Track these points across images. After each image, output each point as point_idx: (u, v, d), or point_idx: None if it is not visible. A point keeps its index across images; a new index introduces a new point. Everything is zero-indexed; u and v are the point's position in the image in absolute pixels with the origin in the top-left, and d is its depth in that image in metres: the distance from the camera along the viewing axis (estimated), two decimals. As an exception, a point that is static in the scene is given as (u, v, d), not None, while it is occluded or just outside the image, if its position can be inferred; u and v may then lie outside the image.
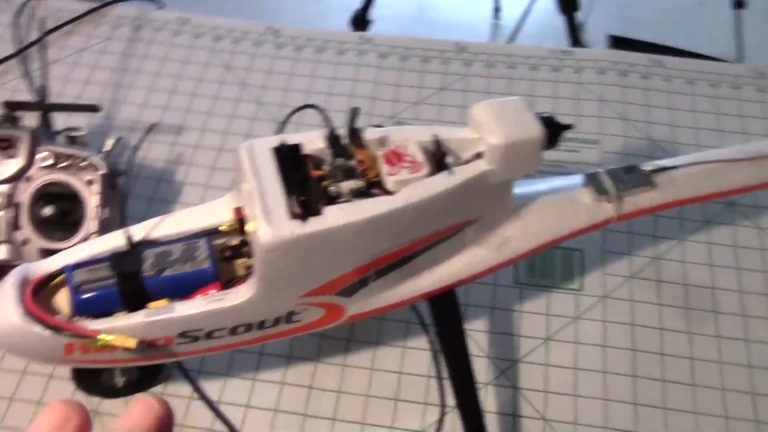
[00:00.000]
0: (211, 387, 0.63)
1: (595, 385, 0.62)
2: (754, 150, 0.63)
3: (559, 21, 1.56)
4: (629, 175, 0.58)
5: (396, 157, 0.50)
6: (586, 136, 0.79)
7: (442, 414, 0.61)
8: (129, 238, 0.52)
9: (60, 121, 0.74)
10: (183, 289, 0.51)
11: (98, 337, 0.49)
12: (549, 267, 0.69)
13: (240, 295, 0.50)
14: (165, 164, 0.78)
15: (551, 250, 0.70)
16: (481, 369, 0.63)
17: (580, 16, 1.51)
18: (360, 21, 1.74)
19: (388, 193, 0.49)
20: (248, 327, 0.52)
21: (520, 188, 0.57)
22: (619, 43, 1.14)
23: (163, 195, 0.75)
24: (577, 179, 0.59)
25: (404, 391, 0.62)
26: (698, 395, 0.62)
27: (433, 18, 2.35)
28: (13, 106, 0.66)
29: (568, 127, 0.53)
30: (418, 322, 0.65)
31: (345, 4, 2.28)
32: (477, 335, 0.65)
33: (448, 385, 0.58)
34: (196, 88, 0.84)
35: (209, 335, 0.52)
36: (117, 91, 0.84)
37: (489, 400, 0.62)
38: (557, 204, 0.57)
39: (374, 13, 1.74)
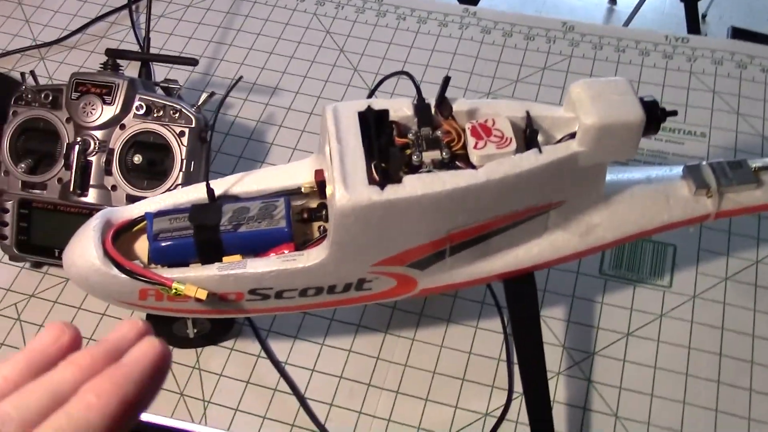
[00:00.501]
0: (280, 347, 0.63)
1: (675, 387, 0.59)
2: None
3: (678, 11, 1.49)
4: (735, 171, 0.54)
5: (484, 131, 0.48)
6: (693, 128, 0.75)
7: (509, 399, 0.59)
8: (210, 192, 0.53)
9: (161, 74, 0.75)
10: (257, 246, 0.51)
11: (171, 285, 0.49)
12: (638, 260, 0.66)
13: (313, 257, 0.49)
14: (257, 124, 0.78)
15: (641, 243, 0.67)
16: (555, 358, 0.61)
17: (702, 6, 1.43)
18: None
19: (472, 166, 0.47)
20: (318, 290, 0.52)
21: (614, 175, 0.55)
22: (741, 35, 1.07)
23: (251, 154, 0.76)
24: (677, 170, 0.55)
25: (472, 371, 0.61)
26: (788, 411, 0.58)
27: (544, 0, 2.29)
28: (114, 53, 0.67)
29: (672, 113, 0.50)
30: (493, 303, 0.63)
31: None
32: (553, 323, 0.63)
33: (517, 370, 0.56)
34: (295, 50, 0.84)
35: (279, 295, 0.52)
36: (218, 48, 0.85)
37: (560, 390, 0.59)
38: (651, 195, 0.54)
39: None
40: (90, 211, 0.63)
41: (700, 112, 0.76)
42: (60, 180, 0.64)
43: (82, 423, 0.25)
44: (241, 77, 0.59)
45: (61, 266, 0.66)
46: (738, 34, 1.10)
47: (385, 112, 0.50)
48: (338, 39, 0.85)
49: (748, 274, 0.65)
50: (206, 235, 0.51)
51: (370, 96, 0.53)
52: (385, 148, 0.48)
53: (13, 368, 0.27)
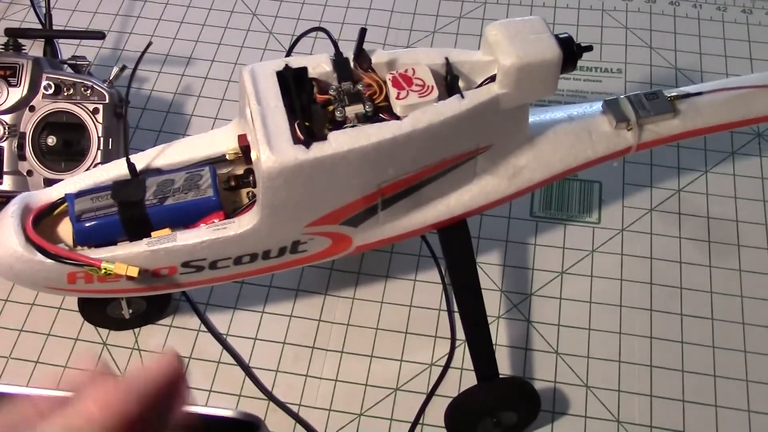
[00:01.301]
0: (219, 320, 0.62)
1: (610, 319, 0.61)
2: (786, 76, 0.59)
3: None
4: (652, 102, 0.56)
5: (405, 81, 0.48)
6: (609, 65, 0.76)
7: (452, 347, 0.60)
8: (132, 167, 0.51)
9: (68, 53, 0.72)
10: (186, 218, 0.50)
11: (100, 265, 0.48)
12: (566, 199, 0.67)
13: (244, 223, 0.49)
14: (174, 96, 0.76)
15: (568, 182, 0.68)
16: (494, 302, 0.62)
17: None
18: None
19: (396, 118, 0.47)
20: (253, 257, 0.51)
21: (536, 116, 0.55)
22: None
23: (171, 127, 0.74)
24: (596, 106, 0.56)
25: (414, 324, 0.61)
26: (718, 329, 0.60)
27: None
28: (15, 32, 0.64)
29: (588, 48, 0.50)
30: (429, 255, 0.64)
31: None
32: (490, 268, 0.64)
33: (458, 318, 0.56)
34: (206, 18, 0.82)
35: (213, 265, 0.51)
36: (125, 21, 0.82)
37: (501, 333, 0.60)
38: (574, 132, 0.55)
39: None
40: (6, 199, 0.60)
41: (615, 48, 0.77)
42: (-29, 169, 0.61)
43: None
44: (150, 43, 0.57)
45: (-19, 259, 0.64)
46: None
47: (303, 70, 0.49)
48: (250, 3, 0.83)
49: (672, 203, 0.67)
50: (131, 211, 0.49)
51: (287, 56, 0.52)
52: (307, 105, 0.48)
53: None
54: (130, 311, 0.60)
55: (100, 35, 0.66)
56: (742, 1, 0.80)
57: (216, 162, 0.52)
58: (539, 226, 0.66)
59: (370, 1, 0.83)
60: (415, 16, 0.81)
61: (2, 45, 0.64)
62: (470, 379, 0.54)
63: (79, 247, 0.50)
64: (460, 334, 0.60)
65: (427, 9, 0.82)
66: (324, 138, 0.45)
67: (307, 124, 0.46)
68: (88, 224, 0.49)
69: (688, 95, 0.57)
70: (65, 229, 0.51)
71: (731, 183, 0.67)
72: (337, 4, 0.83)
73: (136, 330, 0.62)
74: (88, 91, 0.61)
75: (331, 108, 0.48)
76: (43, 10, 0.77)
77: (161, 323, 0.62)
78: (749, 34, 0.78)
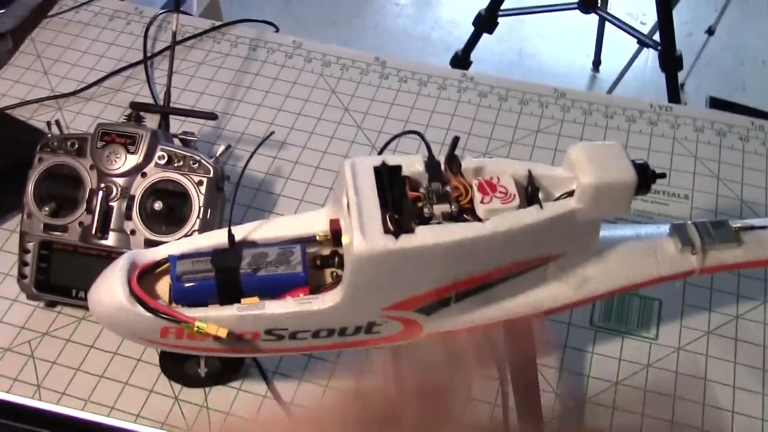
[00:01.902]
0: (285, 388, 0.66)
1: (661, 435, 0.63)
2: None
3: (658, 79, 1.57)
4: (717, 230, 0.59)
5: (490, 187, 0.52)
6: (677, 191, 0.80)
7: (507, 444, 0.62)
8: (230, 237, 0.56)
9: (175, 127, 0.79)
10: (274, 289, 0.54)
11: (194, 323, 0.52)
12: (626, 313, 0.70)
13: (327, 300, 0.53)
14: (265, 176, 0.82)
15: (629, 297, 0.71)
16: (548, 404, 0.64)
17: (680, 75, 1.51)
18: (461, 61, 1.78)
19: (478, 219, 0.52)
20: (330, 332, 0.55)
21: (606, 231, 0.59)
22: (718, 105, 1.13)
23: (260, 204, 0.79)
24: (664, 228, 0.60)
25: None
26: (767, 459, 0.61)
27: (530, 64, 2.38)
28: (139, 106, 0.71)
29: (661, 176, 0.54)
30: (492, 350, 0.66)
31: (445, 41, 2.33)
32: (546, 371, 0.66)
33: (513, 415, 0.59)
34: (302, 108, 0.89)
35: (293, 335, 0.55)
36: (229, 104, 0.89)
37: (553, 435, 0.63)
38: (640, 250, 0.58)
39: (474, 55, 1.78)
40: (109, 253, 0.66)
41: (684, 175, 0.81)
42: (81, 223, 0.67)
43: None
44: (272, 132, 0.63)
45: (75, 306, 0.70)
46: (716, 103, 1.17)
47: (398, 168, 0.54)
48: (343, 98, 0.90)
49: (729, 328, 0.69)
50: (227, 277, 0.54)
51: (380, 153, 0.57)
52: (399, 200, 0.52)
53: None
54: (206, 370, 0.64)
55: (213, 116, 0.73)
56: (810, 143, 0.84)
57: (306, 242, 0.57)
58: (598, 336, 0.69)
59: (455, 108, 0.89)
60: (495, 126, 0.87)
61: (125, 116, 0.71)
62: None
63: (174, 305, 0.55)
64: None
65: (507, 121, 0.87)
66: (411, 231, 0.50)
67: (396, 217, 0.51)
68: (187, 284, 0.54)
69: (752, 227, 0.60)
70: (163, 288, 0.56)
71: (789, 316, 0.69)
72: (424, 108, 0.89)
73: (207, 389, 0.66)
74: (196, 165, 0.67)
75: (420, 205, 0.52)
76: (156, 87, 0.85)
77: (231, 385, 0.66)
78: (816, 174, 0.81)
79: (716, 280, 0.72)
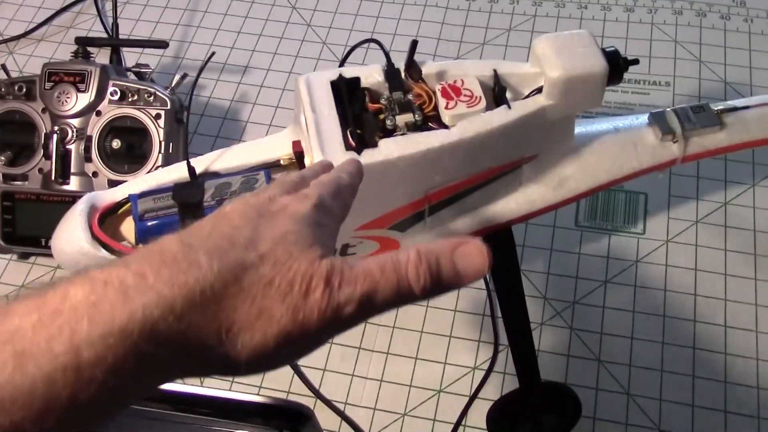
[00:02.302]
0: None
1: (653, 329, 0.61)
2: (835, 91, 0.60)
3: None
4: (698, 115, 0.56)
5: (454, 91, 0.50)
6: (657, 78, 0.76)
7: (495, 352, 0.61)
8: (191, 170, 0.54)
9: (131, 60, 0.76)
10: (241, 219, 0.52)
11: (160, 263, 0.50)
12: (611, 210, 0.68)
13: (296, 226, 0.51)
14: (230, 103, 0.79)
15: (614, 193, 0.69)
16: (537, 309, 0.63)
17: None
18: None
19: (444, 126, 0.49)
20: (304, 258, 0.53)
21: (582, 127, 0.56)
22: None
23: (227, 133, 0.77)
24: (642, 118, 0.57)
25: (458, 329, 0.63)
26: (762, 342, 0.60)
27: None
28: (84, 41, 0.68)
29: (634, 62, 0.51)
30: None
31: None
32: (534, 276, 0.65)
33: (502, 324, 0.58)
34: (263, 28, 0.85)
35: (266, 265, 0.53)
36: (186, 31, 0.85)
37: (543, 339, 0.62)
38: (619, 143, 0.56)
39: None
40: (73, 198, 0.64)
41: (664, 62, 0.78)
42: (41, 170, 0.64)
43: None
44: (213, 53, 0.60)
45: (48, 255, 0.68)
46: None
47: (356, 80, 0.51)
48: (305, 14, 0.86)
49: (717, 215, 0.67)
50: (191, 211, 0.52)
51: (341, 66, 0.54)
52: (359, 114, 0.50)
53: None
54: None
55: (163, 44, 0.70)
56: (794, 16, 0.80)
57: (271, 167, 0.55)
58: (584, 236, 0.67)
59: (422, 13, 0.85)
60: (465, 29, 0.83)
61: (72, 53, 0.68)
62: (512, 384, 0.55)
63: (140, 245, 0.53)
64: (503, 339, 0.61)
65: (477, 21, 0.83)
66: (375, 145, 0.47)
67: (358, 131, 0.49)
68: (150, 223, 0.52)
69: (735, 109, 0.57)
70: (128, 228, 0.54)
71: (779, 197, 0.68)
72: (389, 16, 0.85)
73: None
74: (151, 98, 0.64)
75: (382, 117, 0.50)
76: (109, 20, 0.80)
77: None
78: (801, 48, 0.78)
79: (702, 167, 0.69)
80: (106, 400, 0.24)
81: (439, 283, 0.30)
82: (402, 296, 0.29)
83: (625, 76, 0.51)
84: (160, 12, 0.87)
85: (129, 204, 0.54)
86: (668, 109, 0.57)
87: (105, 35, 0.84)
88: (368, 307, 0.29)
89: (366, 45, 0.56)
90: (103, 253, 0.51)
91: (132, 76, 0.69)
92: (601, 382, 0.59)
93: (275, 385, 0.61)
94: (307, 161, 0.51)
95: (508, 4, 0.85)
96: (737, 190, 0.68)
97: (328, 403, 0.60)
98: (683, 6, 0.82)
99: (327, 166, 0.40)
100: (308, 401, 0.60)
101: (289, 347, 0.28)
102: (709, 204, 0.68)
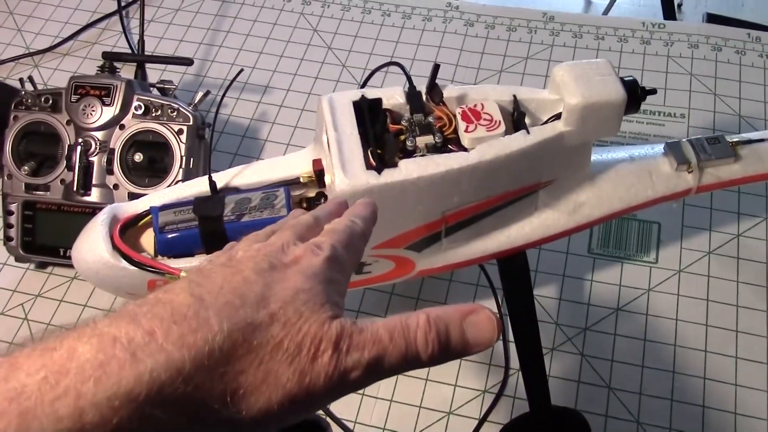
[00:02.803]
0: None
1: (664, 358, 0.62)
2: None
3: (655, 1, 1.52)
4: (713, 146, 0.57)
5: (474, 115, 0.51)
6: (673, 110, 0.77)
7: (506, 375, 0.61)
8: (212, 184, 0.55)
9: (154, 77, 0.77)
10: (260, 234, 0.53)
11: (180, 274, 0.51)
12: (624, 238, 0.68)
13: (314, 242, 0.51)
14: (250, 122, 0.80)
15: (628, 221, 0.69)
16: (549, 335, 0.63)
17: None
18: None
19: (463, 149, 0.50)
20: (320, 275, 0.54)
21: (598, 155, 0.57)
22: (715, 21, 1.10)
23: (246, 151, 0.78)
24: (658, 148, 0.58)
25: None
26: (773, 375, 0.60)
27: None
28: (111, 56, 0.69)
29: (652, 91, 0.52)
30: (487, 284, 0.65)
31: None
32: (546, 301, 0.65)
33: (513, 347, 0.58)
34: (284, 49, 0.86)
35: (283, 281, 0.54)
36: (208, 50, 0.87)
37: (554, 365, 0.62)
38: (634, 172, 0.56)
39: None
40: (93, 210, 0.65)
41: (679, 94, 0.78)
42: (63, 181, 0.65)
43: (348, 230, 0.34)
44: (241, 70, 0.61)
45: (66, 265, 0.69)
46: (712, 19, 1.13)
47: (378, 101, 0.52)
48: (326, 36, 0.87)
49: (730, 247, 0.67)
50: (210, 225, 0.53)
51: (362, 87, 0.55)
52: (380, 135, 0.50)
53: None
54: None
55: (188, 62, 0.71)
56: (809, 53, 0.81)
57: (290, 184, 0.55)
58: (596, 263, 0.67)
59: (441, 39, 0.86)
60: (483, 56, 0.84)
61: (98, 67, 0.69)
62: (522, 408, 0.56)
63: (159, 257, 0.54)
64: (514, 363, 0.61)
65: (495, 49, 0.85)
66: (395, 165, 0.48)
67: (379, 151, 0.49)
68: (170, 236, 0.53)
69: (750, 141, 0.58)
70: (148, 240, 0.55)
71: (792, 230, 0.68)
72: (409, 41, 0.86)
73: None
74: (174, 113, 0.65)
75: (402, 138, 0.51)
76: (134, 37, 0.82)
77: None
78: (815, 84, 0.78)
79: (716, 199, 0.70)
80: None
81: (446, 351, 0.30)
82: (409, 362, 0.29)
83: (641, 106, 0.52)
84: (183, 31, 0.89)
85: (150, 216, 0.55)
86: (684, 140, 0.57)
87: (130, 51, 0.85)
88: (375, 372, 0.29)
89: (385, 69, 0.58)
90: (124, 263, 0.52)
91: (156, 92, 0.70)
92: (610, 410, 0.59)
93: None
94: (327, 180, 0.52)
95: (526, 33, 0.86)
96: (750, 223, 0.69)
97: (338, 422, 0.60)
98: (699, 40, 0.83)
99: (341, 205, 0.40)
100: (318, 418, 0.60)
101: (294, 409, 0.28)
102: (722, 235, 0.68)
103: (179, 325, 0.26)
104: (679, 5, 2.01)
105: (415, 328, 0.29)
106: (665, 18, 1.37)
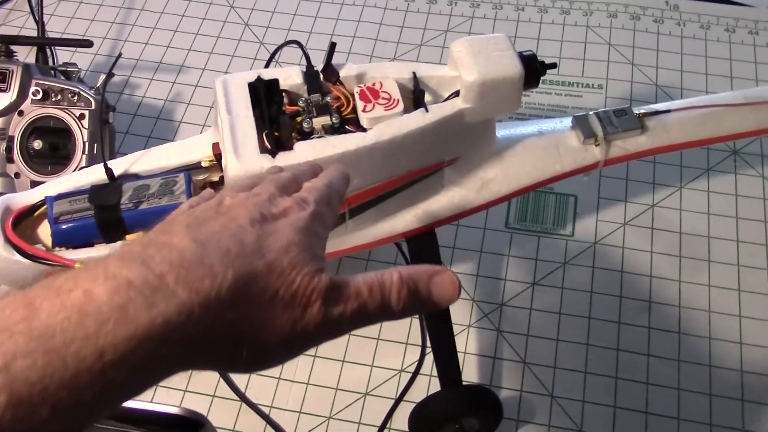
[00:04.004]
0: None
1: (578, 331, 0.62)
2: (757, 95, 0.60)
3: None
4: (620, 119, 0.57)
5: (372, 94, 0.49)
6: (591, 81, 0.77)
7: (422, 354, 0.61)
8: (108, 172, 0.53)
9: (65, 59, 0.74)
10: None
11: (74, 266, 0.49)
12: (541, 212, 0.68)
13: (213, 229, 0.50)
14: (164, 103, 0.78)
15: (544, 195, 0.69)
16: (465, 311, 0.63)
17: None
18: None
19: (362, 130, 0.49)
20: (223, 262, 0.52)
21: (506, 130, 0.57)
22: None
23: (160, 133, 0.76)
24: (566, 122, 0.58)
25: (386, 331, 0.63)
26: (684, 343, 0.61)
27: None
28: (6, 39, 0.66)
29: (552, 66, 0.52)
30: (405, 264, 0.65)
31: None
32: (463, 278, 0.65)
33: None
34: (200, 27, 0.84)
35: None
36: (121, 29, 0.84)
37: (471, 341, 0.62)
38: (542, 147, 0.56)
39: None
40: (-6, 200, 0.62)
41: (597, 64, 0.78)
42: (-39, 171, 0.63)
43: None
44: (120, 54, 0.59)
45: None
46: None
47: (275, 82, 0.50)
48: (242, 13, 0.85)
49: (645, 218, 0.68)
50: (107, 214, 0.51)
51: (266, 67, 0.54)
52: (276, 116, 0.49)
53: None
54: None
55: (87, 44, 0.68)
56: (725, 21, 0.81)
57: (192, 169, 0.54)
58: (513, 238, 0.67)
59: (360, 13, 0.84)
60: (402, 29, 0.83)
61: (-6, 51, 0.66)
62: (438, 386, 0.55)
63: (57, 248, 0.52)
64: (431, 341, 0.61)
65: (415, 23, 0.83)
66: (290, 148, 0.47)
67: (275, 134, 0.48)
68: (64, 226, 0.51)
69: (657, 112, 0.58)
70: (45, 231, 0.53)
71: (705, 199, 0.68)
72: (328, 16, 0.84)
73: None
74: (75, 97, 0.63)
75: (299, 119, 0.49)
76: (46, 18, 0.79)
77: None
78: (731, 52, 0.79)
79: (631, 170, 0.70)
80: (118, 397, 0.26)
81: (415, 306, 0.33)
82: (384, 314, 0.32)
83: (558, 78, 0.51)
84: (95, 9, 0.86)
85: (45, 206, 0.53)
86: (591, 113, 0.57)
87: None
88: (357, 321, 0.32)
89: (295, 46, 0.56)
90: (17, 256, 0.50)
91: (60, 76, 0.68)
92: (525, 384, 0.60)
93: (200, 388, 0.60)
94: (224, 163, 0.51)
95: (446, 6, 0.85)
96: (665, 193, 0.69)
97: (254, 407, 0.60)
98: (618, 9, 0.83)
99: (316, 167, 0.41)
100: (234, 405, 0.60)
101: (287, 352, 0.30)
102: (637, 206, 0.68)
103: (187, 269, 0.27)
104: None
105: (390, 285, 0.32)
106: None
